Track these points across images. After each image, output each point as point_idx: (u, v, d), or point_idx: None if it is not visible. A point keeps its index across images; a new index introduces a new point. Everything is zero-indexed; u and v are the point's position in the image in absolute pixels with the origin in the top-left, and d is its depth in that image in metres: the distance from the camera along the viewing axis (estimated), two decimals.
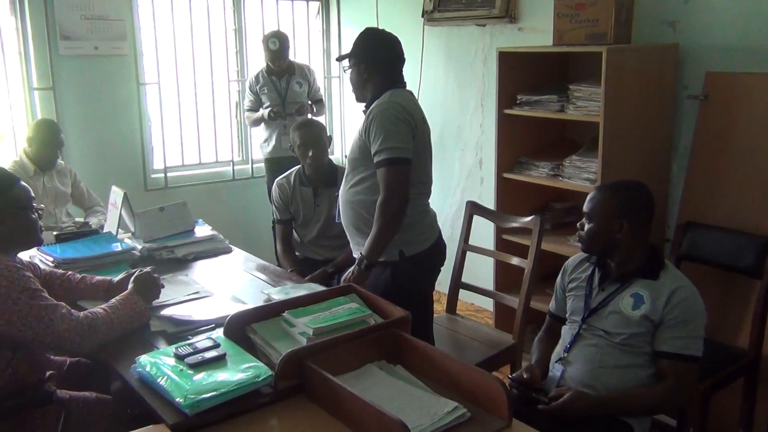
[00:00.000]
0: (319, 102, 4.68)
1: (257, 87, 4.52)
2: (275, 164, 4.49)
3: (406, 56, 2.54)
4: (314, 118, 4.40)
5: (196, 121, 4.76)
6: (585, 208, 2.11)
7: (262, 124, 4.58)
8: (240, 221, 4.83)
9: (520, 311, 2.81)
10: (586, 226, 2.10)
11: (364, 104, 2.53)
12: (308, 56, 5.14)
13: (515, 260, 2.91)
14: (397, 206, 2.34)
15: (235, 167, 4.94)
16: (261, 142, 4.62)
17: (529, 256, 2.81)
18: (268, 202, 4.47)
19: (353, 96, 2.55)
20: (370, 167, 2.40)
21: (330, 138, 3.37)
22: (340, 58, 2.54)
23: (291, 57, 4.67)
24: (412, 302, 2.19)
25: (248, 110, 4.59)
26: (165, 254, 2.86)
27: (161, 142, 4.62)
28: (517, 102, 3.45)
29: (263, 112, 4.45)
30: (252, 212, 4.87)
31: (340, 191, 2.56)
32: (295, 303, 2.03)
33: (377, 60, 2.45)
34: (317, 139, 3.22)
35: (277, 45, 4.39)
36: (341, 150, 5.39)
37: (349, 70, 2.48)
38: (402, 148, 2.32)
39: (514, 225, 2.99)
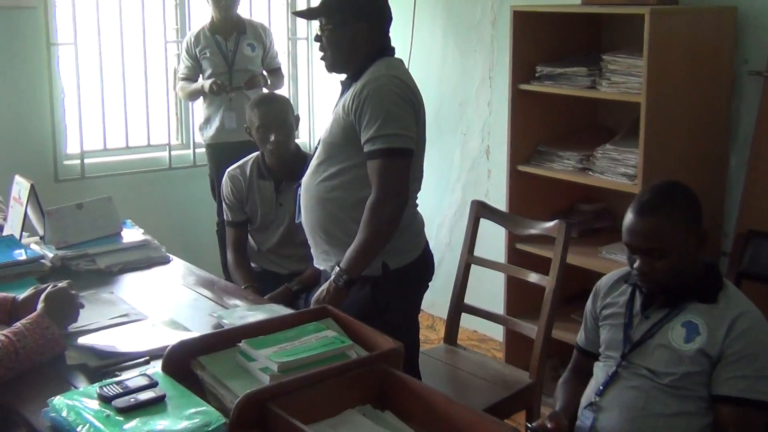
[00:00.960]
0: (275, 72, 4.63)
1: (197, 49, 4.44)
2: (219, 151, 4.45)
3: (393, 14, 2.56)
4: (273, 92, 4.39)
5: (123, 93, 4.70)
6: (643, 242, 2.05)
7: (201, 99, 4.53)
8: (180, 223, 4.82)
9: (540, 342, 2.82)
10: (658, 263, 2.05)
11: (344, 75, 2.53)
12: (268, 12, 5.13)
13: (533, 277, 2.92)
14: (393, 210, 2.39)
15: (173, 153, 4.89)
16: (200, 123, 4.61)
17: (550, 272, 2.82)
18: (212, 198, 4.52)
19: (323, 64, 2.56)
20: (354, 156, 2.43)
21: (297, 118, 3.38)
22: (308, 13, 2.63)
23: (245, 14, 4.66)
24: (397, 328, 2.20)
25: (183, 80, 4.55)
26: (84, 265, 2.83)
27: (77, 120, 4.56)
28: (536, 75, 3.47)
29: (203, 83, 4.42)
30: (195, 211, 4.85)
31: (304, 183, 2.57)
32: (255, 330, 2.02)
33: (377, 17, 2.48)
34: (282, 119, 3.21)
35: None
36: (309, 133, 5.41)
37: (326, 32, 2.48)
38: (404, 136, 2.37)
39: (532, 232, 2.99)
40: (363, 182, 2.42)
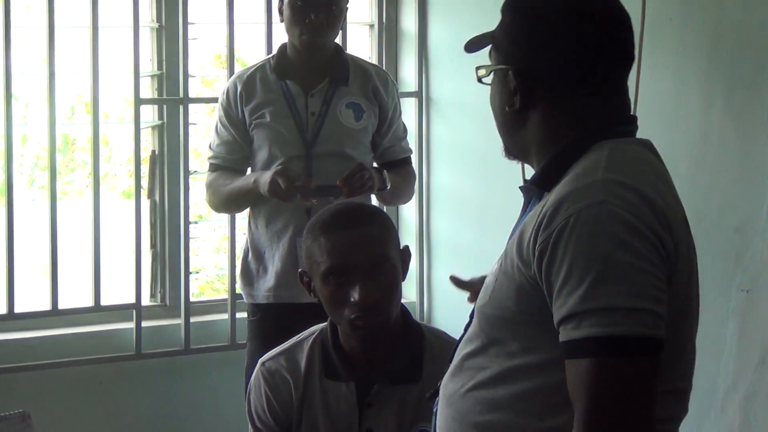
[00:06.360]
0: (400, 165, 3.41)
1: (246, 108, 3.22)
2: (278, 320, 3.21)
3: None
4: (371, 203, 3.19)
5: (51, 205, 3.43)
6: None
7: (249, 212, 3.28)
8: None
9: None
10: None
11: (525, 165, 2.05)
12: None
13: None
14: None
15: (147, 325, 3.67)
16: (244, 261, 3.29)
17: None
18: (246, 416, 3.64)
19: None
20: (541, 345, 1.88)
21: (406, 254, 2.50)
22: (474, 44, 2.00)
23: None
24: None
25: (217, 170, 3.30)
26: None
27: None
28: None
29: (258, 177, 3.18)
30: None
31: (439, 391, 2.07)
32: None
33: (557, 56, 1.91)
34: (375, 256, 2.41)
35: None
36: (423, 284, 3.99)
37: (490, 79, 1.95)
38: (642, 312, 1.74)
39: None
40: (558, 398, 1.80)
